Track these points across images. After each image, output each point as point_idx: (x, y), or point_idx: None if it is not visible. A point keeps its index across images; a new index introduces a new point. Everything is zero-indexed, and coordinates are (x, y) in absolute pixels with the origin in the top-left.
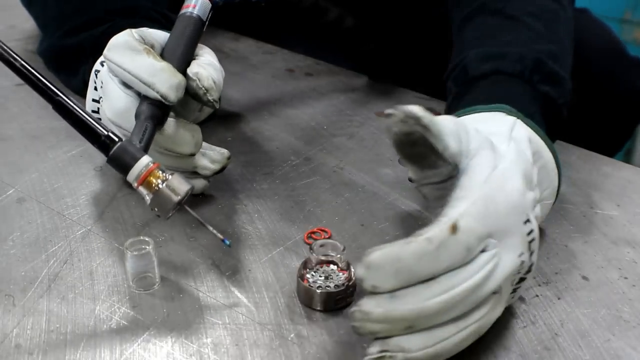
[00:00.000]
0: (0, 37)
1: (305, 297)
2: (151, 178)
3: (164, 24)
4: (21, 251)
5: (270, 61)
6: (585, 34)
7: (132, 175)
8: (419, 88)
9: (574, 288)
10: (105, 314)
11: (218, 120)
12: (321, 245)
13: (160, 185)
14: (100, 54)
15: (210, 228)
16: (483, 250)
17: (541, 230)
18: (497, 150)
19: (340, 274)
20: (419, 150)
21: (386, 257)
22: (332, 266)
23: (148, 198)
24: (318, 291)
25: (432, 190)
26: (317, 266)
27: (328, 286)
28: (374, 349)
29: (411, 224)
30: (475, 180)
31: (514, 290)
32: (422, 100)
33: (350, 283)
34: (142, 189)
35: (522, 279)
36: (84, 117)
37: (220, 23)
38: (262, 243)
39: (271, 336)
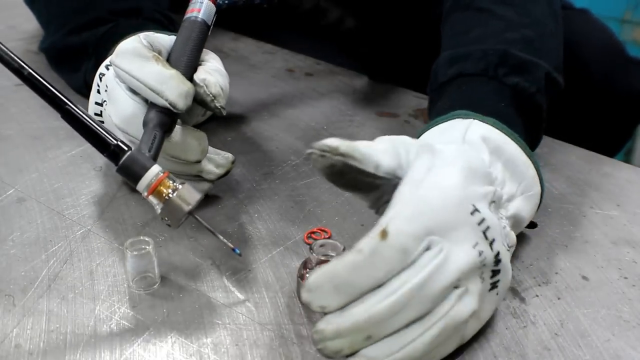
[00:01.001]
0: (0, 37)
1: None
2: (161, 188)
3: (167, 25)
4: (21, 251)
5: (270, 61)
6: (585, 35)
7: (142, 185)
8: (419, 88)
9: (574, 288)
10: (105, 314)
11: (218, 120)
12: (321, 245)
13: (170, 195)
14: (103, 53)
15: (221, 237)
16: (429, 249)
17: (541, 230)
18: (436, 153)
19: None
20: (354, 177)
21: (323, 276)
22: None
23: (158, 208)
24: None
25: None
26: (317, 266)
27: None
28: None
29: None
30: (407, 185)
31: (494, 286)
32: (422, 100)
33: None
34: (152, 199)
35: (495, 272)
36: (93, 126)
37: (220, 23)
38: (262, 243)
39: (271, 336)
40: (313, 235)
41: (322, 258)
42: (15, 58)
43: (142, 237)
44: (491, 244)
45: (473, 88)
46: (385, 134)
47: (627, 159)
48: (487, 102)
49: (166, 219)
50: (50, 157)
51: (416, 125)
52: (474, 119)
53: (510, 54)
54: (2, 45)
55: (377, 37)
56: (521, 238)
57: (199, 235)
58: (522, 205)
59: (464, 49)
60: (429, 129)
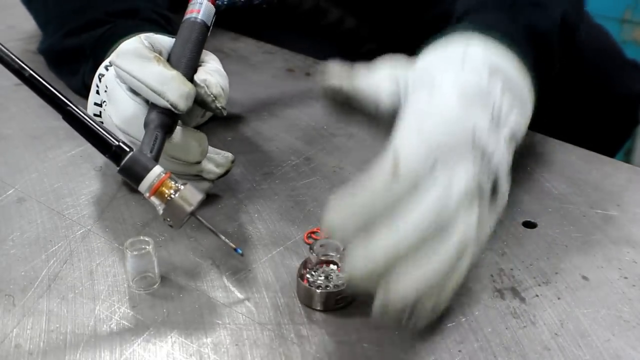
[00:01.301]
0: (0, 37)
1: (305, 297)
2: (163, 188)
3: (164, 26)
4: (21, 251)
5: (270, 61)
6: (582, 36)
7: (144, 186)
8: None
9: (574, 288)
10: (105, 314)
11: (218, 120)
12: (321, 245)
13: (172, 196)
14: (101, 55)
15: (222, 237)
16: (434, 170)
17: (541, 230)
18: (435, 85)
19: (340, 273)
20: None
21: (337, 211)
22: (332, 266)
23: (160, 208)
24: (318, 291)
25: None
26: (317, 266)
27: (328, 286)
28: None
29: None
30: (410, 115)
31: (493, 203)
32: None
33: None
34: (154, 199)
35: (493, 189)
36: (95, 127)
37: (220, 23)
38: (262, 243)
39: (271, 336)
40: (313, 235)
41: (322, 258)
42: (16, 59)
43: (142, 237)
44: (489, 162)
45: (487, 15)
46: (385, 134)
47: (627, 159)
48: (498, 26)
49: (168, 219)
50: (50, 157)
51: None
52: (475, 31)
53: None
54: (3, 46)
55: (377, 37)
56: (521, 238)
57: (199, 235)
58: (518, 121)
59: None
60: (432, 46)
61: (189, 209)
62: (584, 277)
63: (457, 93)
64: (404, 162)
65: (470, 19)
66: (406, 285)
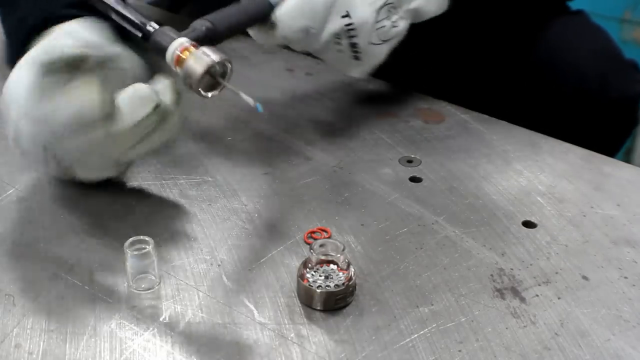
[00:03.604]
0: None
1: (306, 296)
2: (183, 56)
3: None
4: (21, 251)
5: (270, 61)
6: (580, 36)
7: (168, 57)
8: (419, 88)
9: (574, 288)
10: (105, 314)
11: (217, 120)
12: (321, 245)
13: (187, 59)
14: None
15: (241, 94)
16: None
17: (541, 230)
18: None
19: (341, 273)
20: None
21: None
22: (332, 266)
23: (181, 75)
24: (318, 291)
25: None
26: (317, 266)
27: (328, 286)
28: None
29: (411, 223)
30: None
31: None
32: (422, 99)
33: (351, 282)
34: (180, 71)
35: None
36: (127, 12)
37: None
38: (262, 243)
39: (271, 336)
40: (313, 235)
41: (322, 258)
42: None
43: (142, 237)
44: None
45: None
46: (385, 134)
47: (627, 159)
48: None
49: (190, 84)
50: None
51: (416, 125)
52: None
53: None
54: None
55: None
56: (521, 238)
57: (199, 235)
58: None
59: None
60: None
61: (200, 70)
62: (584, 277)
63: None
64: None
65: None
66: None
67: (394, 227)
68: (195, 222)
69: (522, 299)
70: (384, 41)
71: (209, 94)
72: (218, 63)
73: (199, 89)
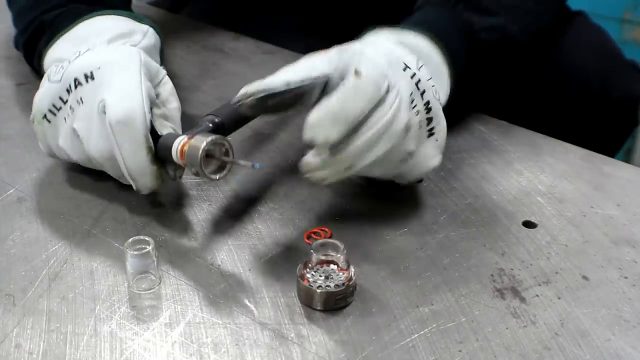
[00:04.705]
0: (0, 36)
1: (306, 296)
2: (184, 147)
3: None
4: (21, 251)
5: (270, 61)
6: (581, 37)
7: (174, 154)
8: None
9: (574, 288)
10: (105, 314)
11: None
12: (321, 245)
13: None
14: (60, 27)
15: (241, 162)
16: (389, 91)
17: (541, 230)
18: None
19: (341, 273)
20: (279, 100)
21: (322, 111)
22: (332, 266)
23: (185, 165)
24: (318, 291)
25: None
26: (317, 266)
27: (328, 286)
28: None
29: (412, 223)
30: (336, 56)
31: (431, 132)
32: None
33: (351, 283)
34: (183, 163)
35: (429, 119)
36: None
37: (221, 23)
38: (262, 243)
39: (271, 336)
40: (313, 235)
41: (323, 258)
42: None
43: (142, 237)
44: (422, 94)
45: (429, 13)
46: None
47: (627, 159)
48: (433, 23)
49: (193, 169)
50: (50, 157)
51: None
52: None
53: None
54: None
55: None
56: (521, 238)
57: (199, 235)
58: (435, 84)
59: None
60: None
61: (199, 152)
62: (584, 277)
63: (375, 47)
64: (366, 74)
65: (416, 16)
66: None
67: (394, 226)
68: (195, 222)
69: (522, 299)
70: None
71: (217, 176)
72: (213, 143)
73: (206, 173)
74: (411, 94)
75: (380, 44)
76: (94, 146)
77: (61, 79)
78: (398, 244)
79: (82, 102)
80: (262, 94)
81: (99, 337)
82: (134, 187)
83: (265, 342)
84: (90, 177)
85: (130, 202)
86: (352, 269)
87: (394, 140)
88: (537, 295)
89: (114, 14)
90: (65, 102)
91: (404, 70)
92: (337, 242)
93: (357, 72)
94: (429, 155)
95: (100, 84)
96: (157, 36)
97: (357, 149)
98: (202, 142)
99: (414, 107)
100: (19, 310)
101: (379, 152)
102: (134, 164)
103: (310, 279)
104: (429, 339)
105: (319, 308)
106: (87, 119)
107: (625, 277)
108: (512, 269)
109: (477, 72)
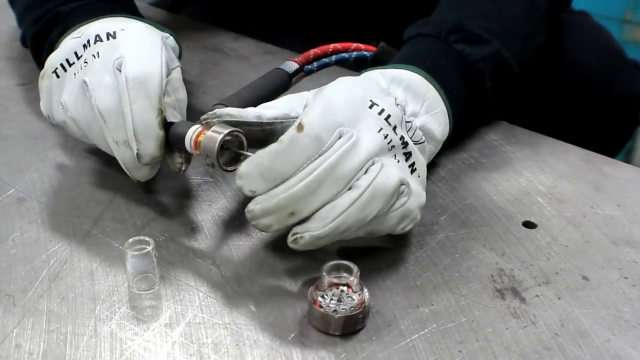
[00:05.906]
0: (1, 37)
1: (322, 323)
2: (199, 138)
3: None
4: (21, 251)
5: (270, 61)
6: (583, 37)
7: (187, 144)
8: None
9: (574, 288)
10: (105, 314)
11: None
12: (333, 267)
13: (201, 139)
14: (75, 22)
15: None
16: (341, 138)
17: (541, 230)
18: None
19: (354, 295)
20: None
21: (250, 165)
22: (341, 287)
23: (196, 154)
24: (336, 316)
25: None
26: (329, 288)
27: (344, 309)
28: (289, 236)
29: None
30: (315, 96)
31: (412, 168)
32: None
33: (366, 303)
34: (198, 153)
35: (407, 154)
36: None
37: (220, 23)
38: (262, 243)
39: (271, 336)
40: None
41: (335, 281)
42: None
43: (142, 237)
44: (394, 129)
45: (422, 45)
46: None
47: (627, 159)
48: (427, 58)
49: (209, 162)
50: (50, 157)
51: None
52: (387, 66)
53: (465, 26)
54: None
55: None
56: (521, 238)
57: (199, 235)
58: (429, 121)
59: (429, 17)
60: None
61: (216, 144)
62: (584, 277)
63: (353, 81)
64: (308, 128)
65: (407, 48)
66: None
67: None
68: (195, 223)
69: (522, 299)
70: (419, 142)
71: (229, 169)
72: (230, 135)
73: (221, 165)
74: (380, 129)
75: (346, 83)
76: (101, 99)
77: (82, 35)
78: (398, 244)
79: (98, 56)
80: (231, 119)
81: (99, 337)
82: (134, 153)
83: (265, 342)
84: (90, 177)
85: (130, 202)
86: (365, 291)
87: (342, 183)
88: (537, 296)
89: (135, 19)
90: (79, 58)
91: (370, 107)
92: (349, 263)
93: (300, 125)
94: (417, 191)
95: (120, 42)
96: (177, 44)
97: (294, 197)
98: (220, 133)
99: (388, 143)
100: (19, 311)
101: (325, 196)
102: (142, 122)
103: (323, 303)
104: (429, 339)
105: (337, 334)
106: (99, 73)
107: (626, 278)
108: (512, 269)
109: (476, 104)
